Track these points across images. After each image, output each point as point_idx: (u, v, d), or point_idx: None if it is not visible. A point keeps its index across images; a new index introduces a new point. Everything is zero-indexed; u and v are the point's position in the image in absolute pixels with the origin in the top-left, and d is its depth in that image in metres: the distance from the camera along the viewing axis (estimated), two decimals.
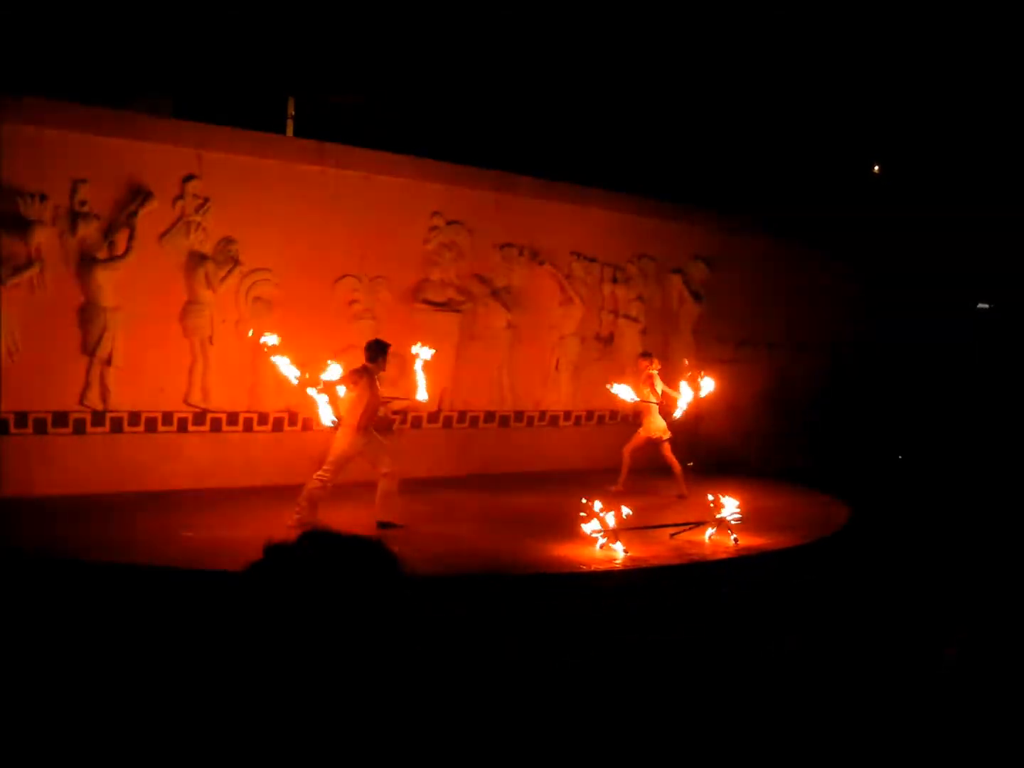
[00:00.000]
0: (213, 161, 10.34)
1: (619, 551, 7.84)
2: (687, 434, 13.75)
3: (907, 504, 10.30)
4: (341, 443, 8.38)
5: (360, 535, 1.54)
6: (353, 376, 8.41)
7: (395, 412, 11.60)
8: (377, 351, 8.56)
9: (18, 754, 3.85)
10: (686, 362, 11.87)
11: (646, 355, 11.29)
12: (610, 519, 8.09)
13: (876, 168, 18.33)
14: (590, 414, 13.22)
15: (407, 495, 9.69)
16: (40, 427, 9.43)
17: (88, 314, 9.61)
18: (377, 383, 8.52)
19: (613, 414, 13.40)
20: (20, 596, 5.86)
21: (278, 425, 10.87)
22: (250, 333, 8.81)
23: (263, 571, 1.46)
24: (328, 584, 1.41)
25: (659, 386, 10.71)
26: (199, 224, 10.24)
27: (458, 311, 12.14)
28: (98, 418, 9.74)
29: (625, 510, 8.36)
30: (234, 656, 1.43)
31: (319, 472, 8.36)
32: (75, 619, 5.56)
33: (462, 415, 12.25)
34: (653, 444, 10.77)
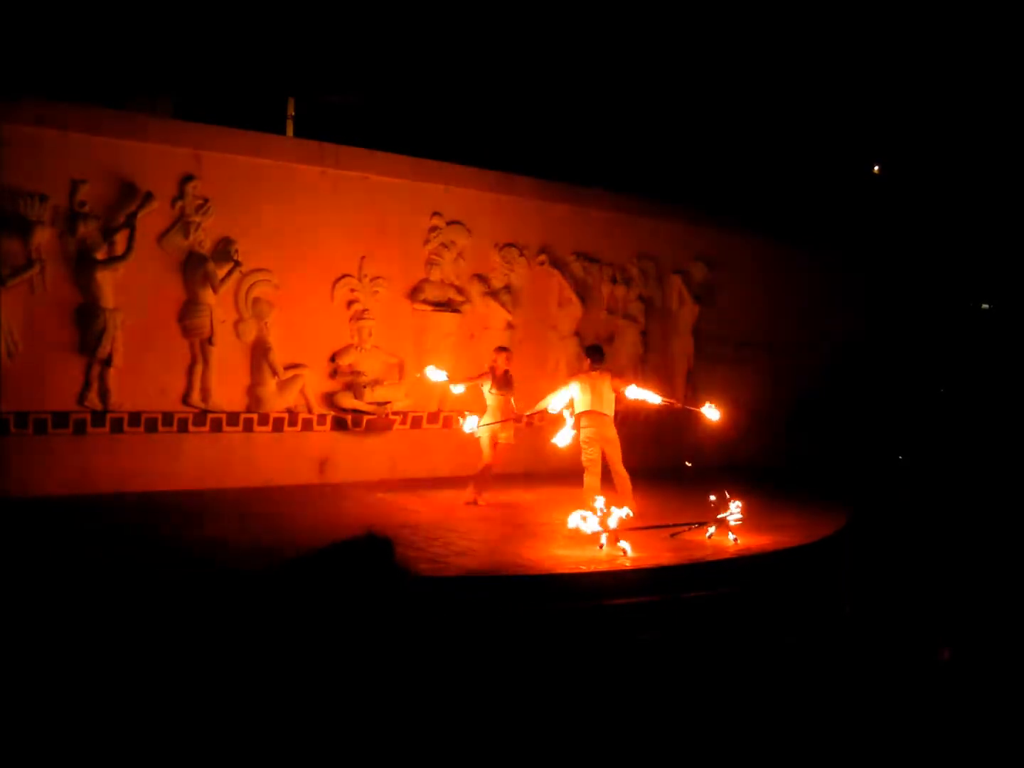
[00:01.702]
0: (212, 161, 10.34)
1: (619, 551, 7.84)
2: (686, 434, 13.79)
3: (907, 505, 10.30)
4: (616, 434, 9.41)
5: (369, 536, 1.54)
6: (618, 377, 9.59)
7: (394, 413, 11.61)
8: (601, 352, 9.68)
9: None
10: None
11: (505, 349, 10.33)
12: (611, 520, 8.10)
13: (876, 168, 18.33)
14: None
15: (406, 495, 9.72)
16: (40, 427, 9.42)
17: (88, 314, 9.60)
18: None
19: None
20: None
21: (278, 425, 10.87)
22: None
23: (300, 574, 1.46)
24: (335, 586, 1.41)
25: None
26: (198, 224, 10.23)
27: (458, 311, 12.15)
28: (98, 418, 9.73)
29: (625, 510, 8.36)
30: (242, 656, 1.43)
31: (623, 475, 9.35)
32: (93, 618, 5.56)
33: (462, 415, 12.23)
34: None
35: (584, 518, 8.22)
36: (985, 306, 19.16)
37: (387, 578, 1.47)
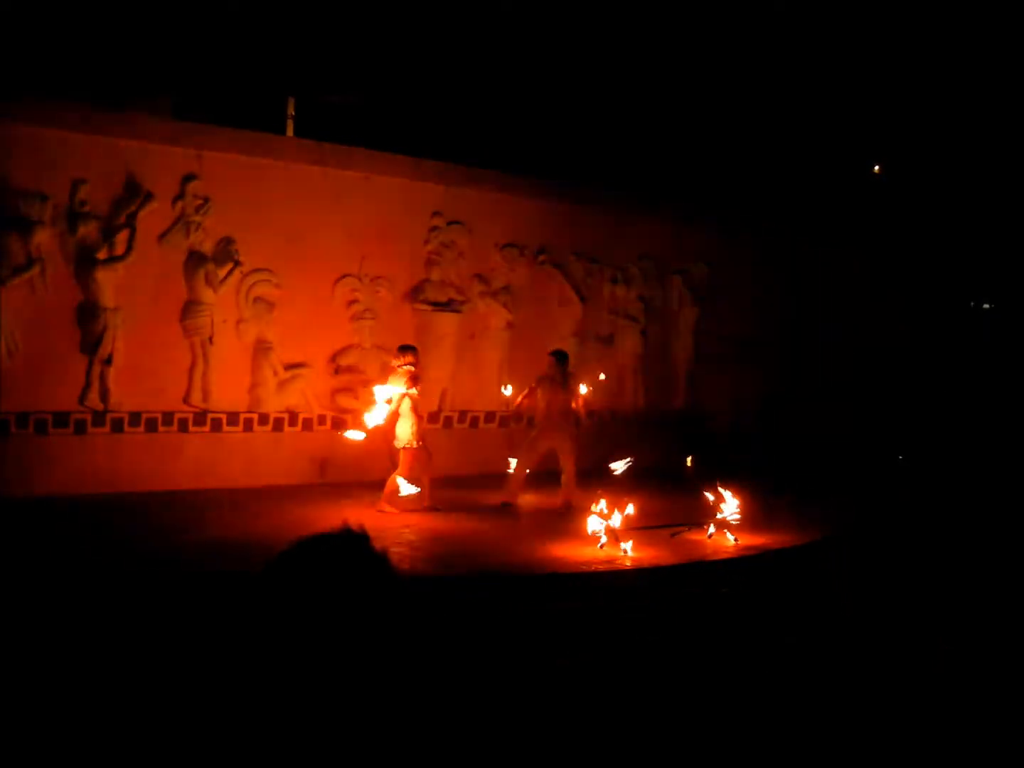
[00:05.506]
0: (213, 161, 10.34)
1: (619, 551, 7.84)
2: (686, 434, 13.79)
3: (907, 505, 10.29)
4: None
5: (347, 533, 1.54)
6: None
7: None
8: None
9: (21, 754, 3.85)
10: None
11: (409, 349, 9.42)
12: (613, 519, 8.09)
13: (876, 168, 18.32)
14: (590, 414, 13.18)
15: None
16: (40, 427, 9.43)
17: (88, 314, 9.60)
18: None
19: (614, 414, 13.39)
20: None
21: (278, 425, 10.87)
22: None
23: (275, 572, 1.46)
24: (321, 585, 1.41)
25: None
26: (199, 224, 10.24)
27: (458, 311, 12.15)
28: (98, 418, 9.73)
29: (627, 508, 8.36)
30: (237, 656, 1.43)
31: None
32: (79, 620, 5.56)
33: (462, 415, 12.24)
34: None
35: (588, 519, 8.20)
36: (987, 306, 19.14)
37: (366, 571, 1.47)
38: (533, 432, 10.17)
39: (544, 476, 10.24)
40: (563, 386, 9.89)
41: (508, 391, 10.35)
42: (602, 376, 10.76)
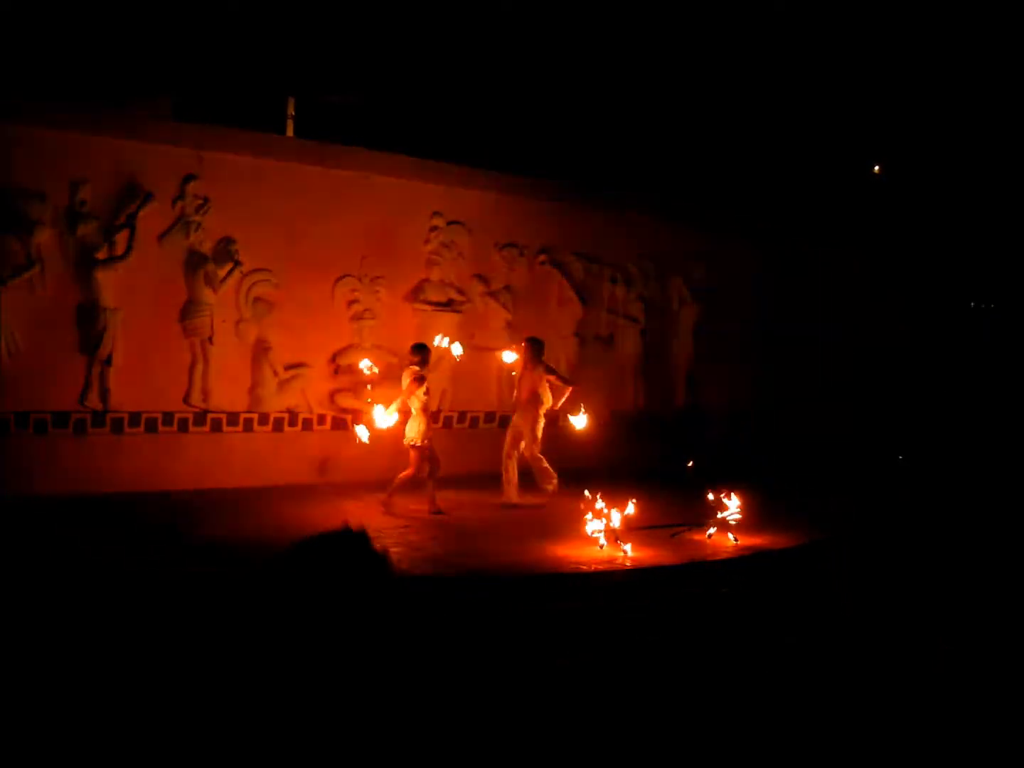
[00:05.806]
0: (213, 161, 10.34)
1: (619, 551, 7.84)
2: (686, 434, 13.79)
3: (907, 505, 10.30)
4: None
5: (347, 533, 1.54)
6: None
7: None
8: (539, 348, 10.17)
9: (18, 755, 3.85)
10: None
11: (420, 349, 9.52)
12: (613, 518, 8.09)
13: (876, 168, 18.33)
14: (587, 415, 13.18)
15: (407, 495, 9.73)
16: (40, 427, 9.42)
17: (88, 314, 9.60)
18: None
19: (614, 414, 13.38)
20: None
21: (278, 425, 10.87)
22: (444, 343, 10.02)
23: (276, 572, 1.47)
24: (321, 584, 1.41)
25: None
26: (199, 224, 10.24)
27: (458, 311, 12.14)
28: (98, 418, 9.73)
29: (627, 508, 8.36)
30: (238, 655, 1.43)
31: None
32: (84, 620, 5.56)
33: (462, 415, 12.24)
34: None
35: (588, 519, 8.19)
36: (992, 306, 19.15)
37: (365, 570, 1.47)
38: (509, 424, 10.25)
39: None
40: (532, 372, 10.01)
41: (509, 357, 10.34)
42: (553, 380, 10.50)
